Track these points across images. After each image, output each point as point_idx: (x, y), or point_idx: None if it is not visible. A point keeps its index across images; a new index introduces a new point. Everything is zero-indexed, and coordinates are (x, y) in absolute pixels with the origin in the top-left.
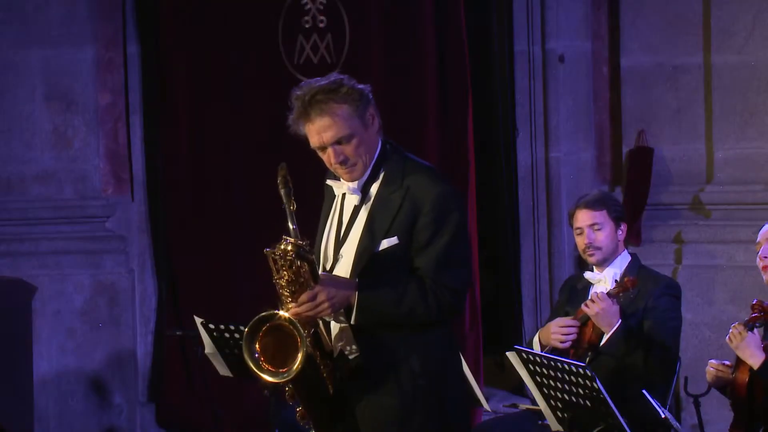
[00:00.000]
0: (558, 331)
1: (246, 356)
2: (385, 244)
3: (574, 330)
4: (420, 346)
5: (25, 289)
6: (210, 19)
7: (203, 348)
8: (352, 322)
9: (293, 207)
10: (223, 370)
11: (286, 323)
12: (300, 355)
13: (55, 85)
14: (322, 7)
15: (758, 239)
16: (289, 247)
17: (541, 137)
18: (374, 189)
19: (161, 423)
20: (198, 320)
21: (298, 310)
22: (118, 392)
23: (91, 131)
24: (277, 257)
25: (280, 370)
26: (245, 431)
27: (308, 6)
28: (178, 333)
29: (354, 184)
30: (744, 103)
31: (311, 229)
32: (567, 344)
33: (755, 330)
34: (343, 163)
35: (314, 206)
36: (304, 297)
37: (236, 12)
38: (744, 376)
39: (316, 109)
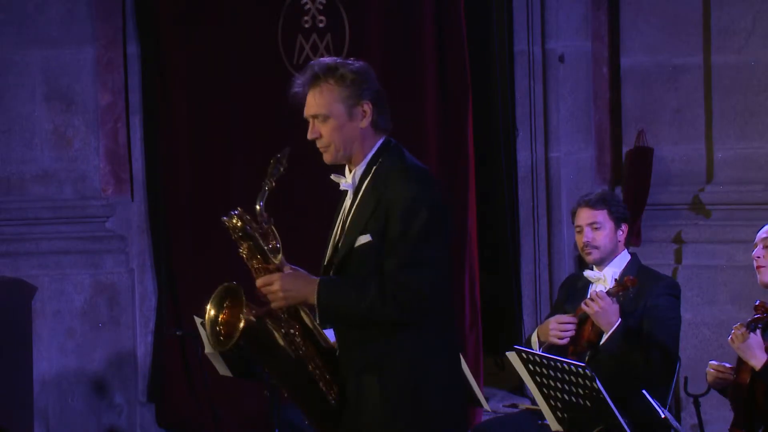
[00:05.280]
0: (556, 327)
1: (207, 320)
2: (361, 240)
3: (572, 327)
4: (389, 349)
5: (25, 289)
6: (210, 19)
7: (203, 348)
8: (316, 321)
9: (271, 186)
10: (223, 370)
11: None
12: (240, 325)
13: (55, 85)
14: (321, 7)
15: (755, 240)
16: (237, 223)
17: (541, 137)
18: (364, 186)
19: (161, 423)
20: (198, 320)
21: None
22: (118, 392)
23: (91, 131)
24: (229, 229)
25: (223, 339)
26: (245, 431)
27: (308, 6)
28: (178, 333)
29: (348, 180)
30: (744, 103)
31: (313, 223)
32: (565, 341)
33: (757, 331)
34: (316, 140)
35: (311, 203)
36: (260, 281)
37: (236, 12)
38: (745, 377)
39: (313, 83)
